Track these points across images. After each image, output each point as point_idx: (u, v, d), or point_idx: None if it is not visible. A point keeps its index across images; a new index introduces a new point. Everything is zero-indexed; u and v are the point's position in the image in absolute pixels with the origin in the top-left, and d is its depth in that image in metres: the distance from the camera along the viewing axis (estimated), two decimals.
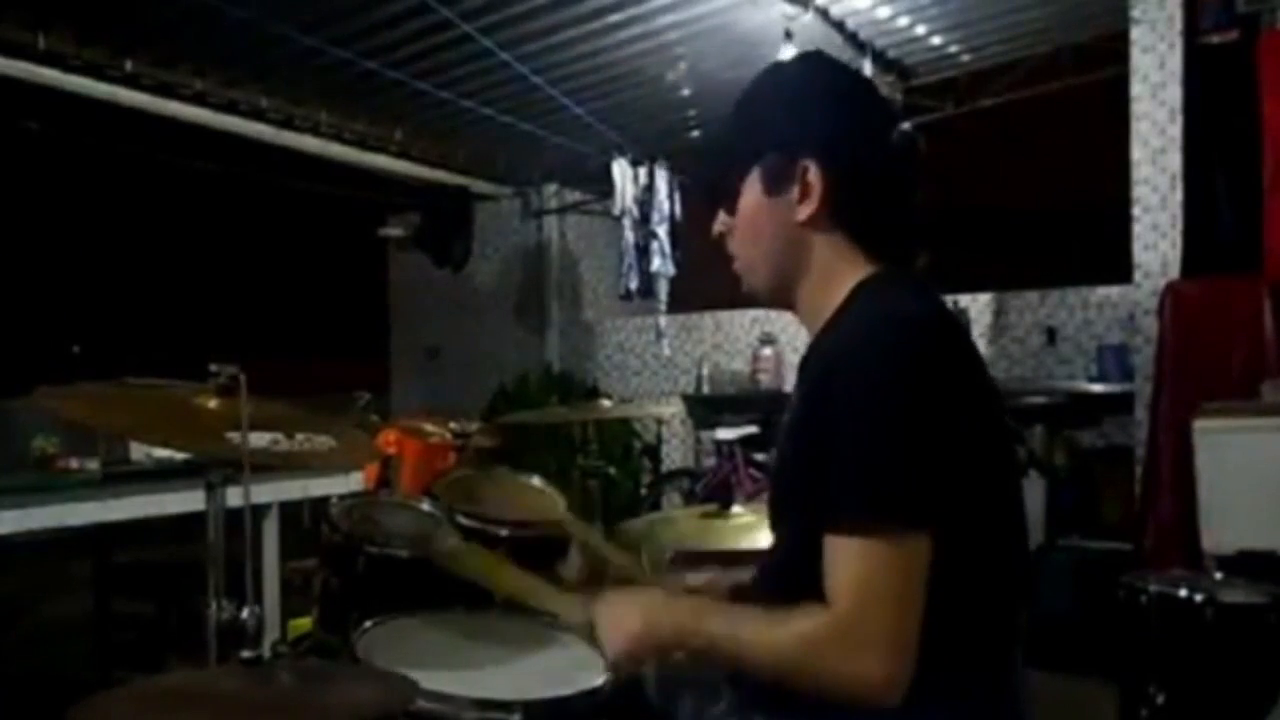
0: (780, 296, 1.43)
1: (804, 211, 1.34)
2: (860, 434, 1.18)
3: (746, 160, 1.39)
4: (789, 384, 1.32)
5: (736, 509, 2.23)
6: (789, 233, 1.36)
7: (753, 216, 1.40)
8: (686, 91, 5.36)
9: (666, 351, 6.45)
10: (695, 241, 6.04)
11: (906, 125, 1.41)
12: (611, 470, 5.70)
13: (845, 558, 1.16)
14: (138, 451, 3.51)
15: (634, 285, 6.19)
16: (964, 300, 5.29)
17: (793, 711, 1.21)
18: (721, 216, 1.45)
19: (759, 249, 1.41)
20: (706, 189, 1.50)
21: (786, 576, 1.29)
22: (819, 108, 1.37)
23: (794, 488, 1.30)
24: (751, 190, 1.39)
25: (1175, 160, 4.21)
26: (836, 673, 1.14)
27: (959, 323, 1.39)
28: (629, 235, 6.14)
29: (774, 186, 1.36)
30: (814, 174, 1.33)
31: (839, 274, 1.35)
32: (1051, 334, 5.30)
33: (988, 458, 1.25)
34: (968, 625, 1.22)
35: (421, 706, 1.35)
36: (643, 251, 6.14)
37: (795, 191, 1.34)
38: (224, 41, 4.59)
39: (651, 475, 6.59)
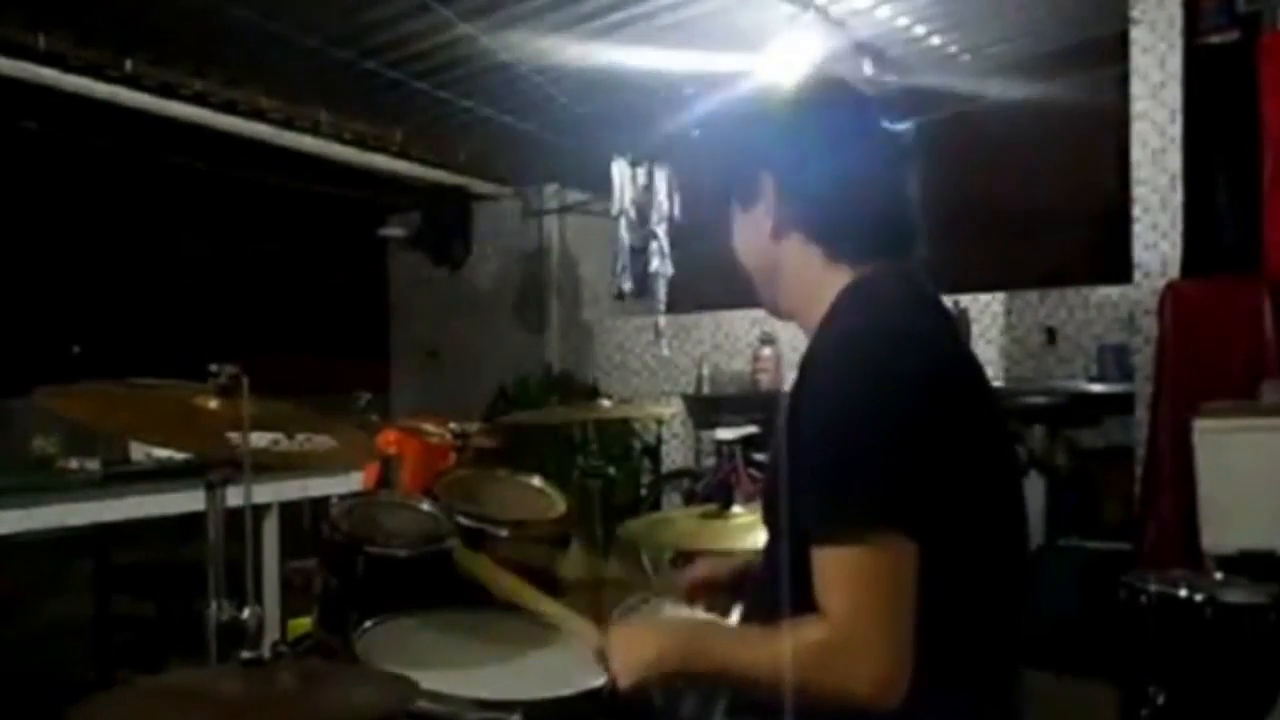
0: (776, 307, 1.46)
1: (767, 223, 1.37)
2: (825, 446, 1.19)
3: (729, 179, 1.44)
4: (789, 384, 1.33)
5: (736, 509, 2.23)
6: (763, 245, 1.40)
7: (738, 231, 1.45)
8: (686, 92, 5.36)
9: (666, 352, 6.43)
10: (694, 242, 6.04)
11: (906, 125, 1.41)
12: (611, 470, 5.69)
13: (829, 568, 1.17)
14: (138, 451, 3.50)
15: (627, 287, 6.17)
16: (964, 300, 5.28)
17: (790, 713, 1.21)
18: None
19: (746, 262, 1.46)
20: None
21: (782, 582, 1.29)
22: (781, 123, 1.41)
23: (781, 496, 1.30)
24: (735, 206, 1.44)
25: (1175, 160, 4.21)
26: (836, 682, 1.15)
27: (941, 328, 1.38)
28: (623, 236, 6.12)
29: (745, 201, 1.41)
30: (771, 186, 1.36)
31: (819, 282, 1.36)
32: (1051, 334, 5.29)
33: (972, 462, 1.25)
34: (964, 631, 1.22)
35: (421, 706, 1.35)
36: (639, 252, 6.12)
37: (762, 205, 1.38)
38: (224, 41, 4.58)
39: (651, 475, 6.59)
